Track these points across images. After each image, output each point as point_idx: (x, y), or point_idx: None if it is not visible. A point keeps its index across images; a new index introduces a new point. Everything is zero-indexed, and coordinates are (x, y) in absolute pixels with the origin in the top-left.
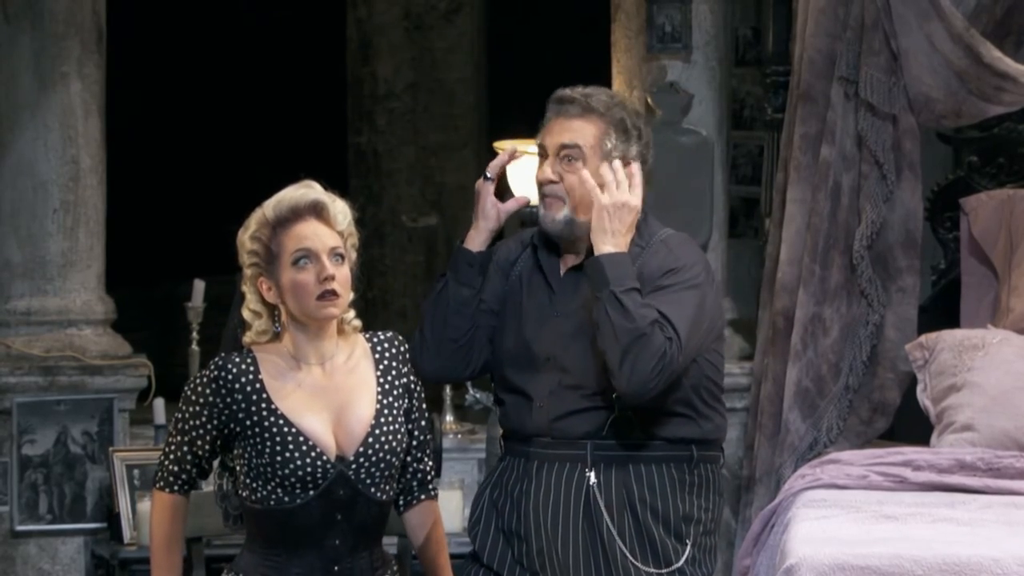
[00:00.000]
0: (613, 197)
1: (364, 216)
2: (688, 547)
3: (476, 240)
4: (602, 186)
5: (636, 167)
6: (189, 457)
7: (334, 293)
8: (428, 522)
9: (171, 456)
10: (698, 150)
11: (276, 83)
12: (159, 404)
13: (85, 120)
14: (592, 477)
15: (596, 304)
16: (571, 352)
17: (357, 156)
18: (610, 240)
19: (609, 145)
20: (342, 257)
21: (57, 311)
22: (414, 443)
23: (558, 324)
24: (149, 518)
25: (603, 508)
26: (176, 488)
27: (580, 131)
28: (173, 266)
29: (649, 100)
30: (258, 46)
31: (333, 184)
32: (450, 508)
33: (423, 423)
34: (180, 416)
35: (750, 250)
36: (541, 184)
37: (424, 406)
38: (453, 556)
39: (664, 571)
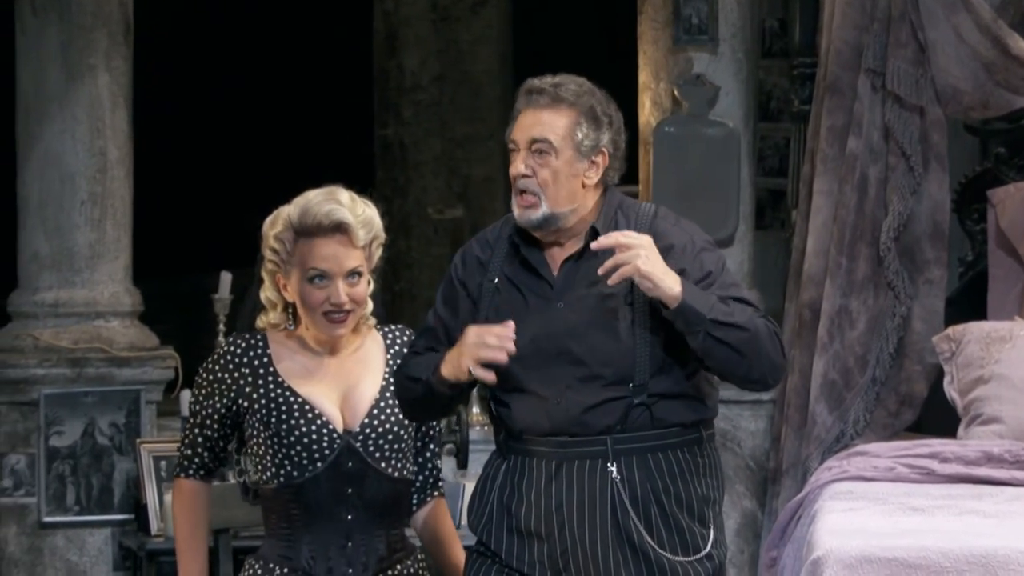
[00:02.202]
0: (636, 246)
1: (391, 208)
2: (712, 530)
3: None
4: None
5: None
6: (200, 440)
7: (343, 313)
8: (440, 518)
9: (185, 441)
10: (725, 142)
11: (302, 75)
12: (186, 396)
13: (112, 112)
14: (614, 471)
15: (693, 338)
16: (586, 342)
17: (383, 148)
18: (670, 279)
19: (580, 135)
20: (360, 274)
21: (84, 303)
22: (425, 436)
23: (565, 316)
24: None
25: (628, 502)
26: (191, 472)
27: (550, 124)
28: (200, 258)
29: (676, 92)
30: (285, 38)
31: (359, 177)
32: None
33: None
34: (193, 401)
35: (777, 242)
36: (514, 179)
37: None
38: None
39: (693, 558)
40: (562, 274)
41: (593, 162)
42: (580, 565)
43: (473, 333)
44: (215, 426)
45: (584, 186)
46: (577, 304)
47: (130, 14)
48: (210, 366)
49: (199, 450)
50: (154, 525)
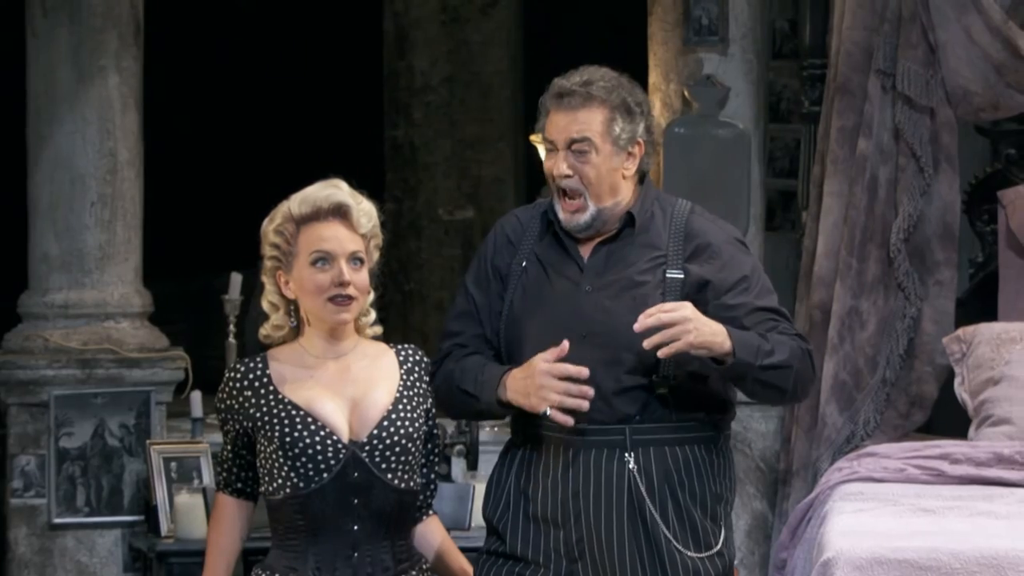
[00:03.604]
0: (681, 320)
1: (401, 209)
2: (723, 529)
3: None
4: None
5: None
6: (224, 459)
7: (348, 298)
8: (437, 532)
9: (218, 458)
10: (735, 143)
11: (312, 76)
12: (196, 397)
13: (123, 113)
14: (631, 462)
15: (740, 383)
16: (612, 326)
17: (393, 149)
18: (719, 337)
19: (617, 129)
20: (361, 261)
21: (94, 304)
22: (430, 453)
23: (593, 299)
24: None
25: (644, 493)
26: (221, 487)
27: (586, 122)
28: (210, 259)
29: (686, 93)
30: (294, 39)
31: (369, 177)
32: None
33: (436, 435)
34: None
35: (787, 243)
36: (556, 178)
37: (437, 422)
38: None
39: (705, 555)
40: (593, 257)
41: (630, 153)
42: (595, 554)
43: (546, 375)
44: (231, 448)
45: (624, 178)
46: (606, 288)
47: (140, 15)
48: (221, 395)
49: (226, 466)
50: (164, 526)
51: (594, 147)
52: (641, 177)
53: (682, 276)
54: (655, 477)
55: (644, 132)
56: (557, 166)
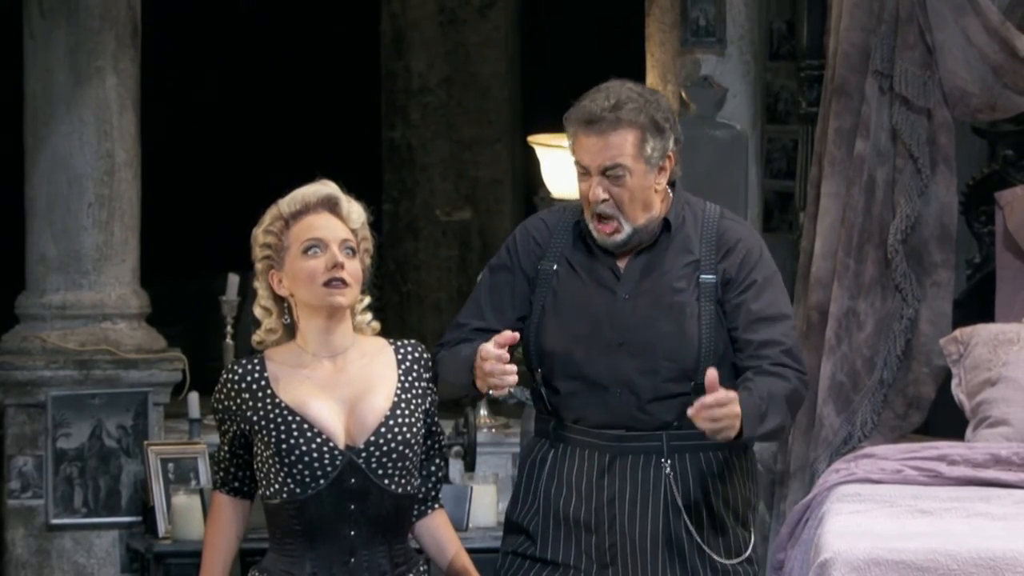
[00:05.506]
0: (734, 415)
1: (398, 210)
2: (752, 534)
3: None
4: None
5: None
6: (222, 458)
7: (342, 282)
8: (442, 528)
9: (215, 457)
10: (732, 144)
11: (310, 77)
12: (193, 398)
13: (120, 114)
14: (667, 467)
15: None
16: (650, 334)
17: (391, 150)
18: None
19: (649, 149)
20: (353, 251)
21: (92, 305)
22: (431, 448)
23: (630, 307)
24: None
25: (680, 499)
26: (218, 486)
27: (619, 147)
28: (207, 260)
29: (683, 94)
30: (292, 40)
31: (367, 178)
32: (485, 502)
33: (436, 431)
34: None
35: (784, 244)
36: (591, 203)
37: (438, 419)
38: (486, 551)
39: (736, 561)
40: (629, 265)
41: (662, 168)
42: (627, 559)
43: (480, 359)
44: (228, 448)
45: (656, 192)
46: (643, 296)
47: (138, 16)
48: (217, 396)
49: (223, 466)
50: (161, 527)
51: (628, 171)
52: (671, 182)
53: (714, 279)
54: (691, 483)
55: (673, 144)
56: (593, 191)
